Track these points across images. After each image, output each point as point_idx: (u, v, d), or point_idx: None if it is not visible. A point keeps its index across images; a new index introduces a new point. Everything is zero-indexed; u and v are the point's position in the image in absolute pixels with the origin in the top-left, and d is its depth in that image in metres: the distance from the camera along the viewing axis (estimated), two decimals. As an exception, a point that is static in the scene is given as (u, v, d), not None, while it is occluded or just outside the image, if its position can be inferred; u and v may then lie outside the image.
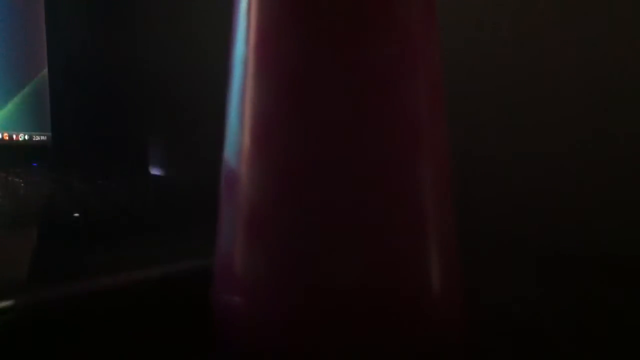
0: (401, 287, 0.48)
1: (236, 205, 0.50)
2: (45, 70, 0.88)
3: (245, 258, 0.49)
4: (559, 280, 0.61)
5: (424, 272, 0.49)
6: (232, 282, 0.50)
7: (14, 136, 0.87)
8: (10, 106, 0.88)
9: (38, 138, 0.86)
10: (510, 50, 0.69)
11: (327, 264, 0.47)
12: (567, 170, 0.67)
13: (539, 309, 0.58)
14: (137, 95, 0.89)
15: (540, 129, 0.68)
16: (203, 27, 0.84)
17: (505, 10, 0.68)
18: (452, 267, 0.51)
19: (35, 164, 0.83)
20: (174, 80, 0.87)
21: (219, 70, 0.77)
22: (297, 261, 0.47)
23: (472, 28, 0.70)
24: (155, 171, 0.75)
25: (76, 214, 0.64)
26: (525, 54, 0.68)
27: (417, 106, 0.49)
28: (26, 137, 0.86)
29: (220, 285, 0.51)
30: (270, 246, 0.48)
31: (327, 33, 0.47)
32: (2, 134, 0.88)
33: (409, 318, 0.48)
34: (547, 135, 0.68)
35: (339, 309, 0.47)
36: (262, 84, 0.49)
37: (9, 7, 0.91)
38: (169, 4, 0.90)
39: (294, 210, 0.47)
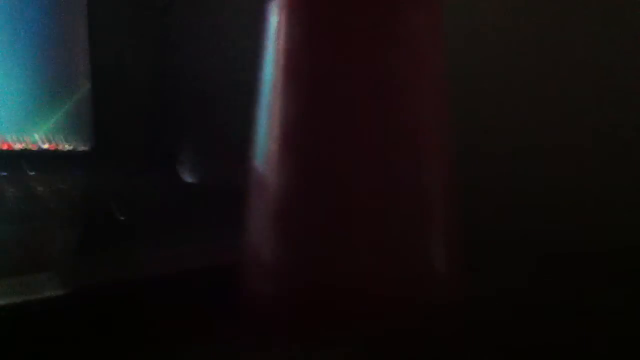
0: (411, 278, 0.52)
1: (265, 205, 0.54)
2: (88, 85, 0.94)
3: (274, 253, 0.53)
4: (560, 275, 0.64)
5: (431, 265, 0.53)
6: (262, 274, 0.54)
7: (59, 146, 0.93)
8: (56, 118, 0.94)
9: (81, 148, 0.92)
10: (511, 49, 0.71)
11: (346, 257, 0.51)
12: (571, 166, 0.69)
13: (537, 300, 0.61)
14: (171, 107, 0.94)
15: (541, 128, 0.70)
16: (236, 43, 0.87)
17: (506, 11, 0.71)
18: (455, 258, 0.55)
19: (78, 172, 0.88)
20: (207, 92, 0.91)
21: (246, 84, 0.81)
22: (321, 254, 0.51)
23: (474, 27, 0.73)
24: (187, 177, 0.79)
25: (116, 213, 0.69)
26: (526, 53, 0.70)
27: (424, 109, 0.53)
28: (70, 147, 0.92)
29: (251, 278, 0.55)
30: (296, 241, 0.52)
31: (347, 48, 0.52)
32: (49, 144, 0.94)
33: (417, 305, 0.52)
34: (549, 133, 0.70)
35: (355, 298, 0.51)
36: (288, 93, 0.53)
37: (54, 22, 0.97)
38: (205, 16, 0.93)
39: (317, 208, 0.52)
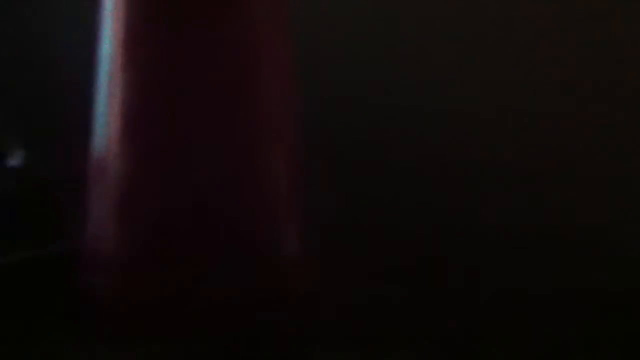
0: (253, 268, 0.52)
1: (104, 192, 0.52)
2: None
3: (114, 239, 0.52)
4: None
5: (274, 255, 0.53)
6: (101, 262, 0.52)
7: None
8: None
9: None
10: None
11: (186, 241, 0.51)
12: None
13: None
14: None
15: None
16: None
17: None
18: (299, 247, 0.55)
19: None
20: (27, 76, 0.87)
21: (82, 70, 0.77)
22: (161, 239, 0.51)
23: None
24: (12, 162, 0.75)
25: None
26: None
27: (264, 94, 0.53)
28: None
29: (88, 266, 0.54)
30: (137, 226, 0.51)
31: (186, 30, 0.51)
32: None
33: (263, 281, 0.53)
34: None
35: (196, 282, 0.51)
36: (127, 78, 0.51)
37: None
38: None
39: (157, 193, 0.51)
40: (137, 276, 0.52)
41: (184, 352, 0.50)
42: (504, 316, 0.55)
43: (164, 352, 0.50)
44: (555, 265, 0.63)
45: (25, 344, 0.53)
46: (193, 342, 0.51)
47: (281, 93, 0.55)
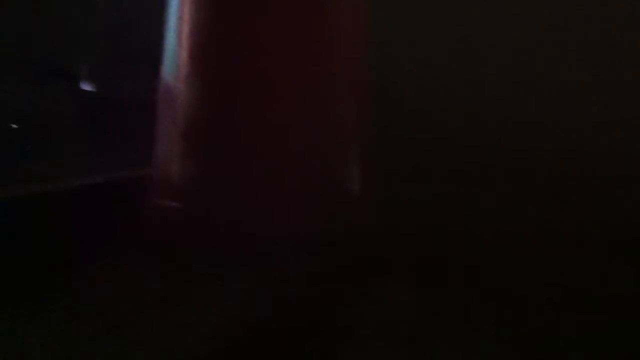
0: (317, 194, 0.54)
1: (173, 120, 0.51)
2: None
3: (181, 167, 0.52)
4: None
5: (337, 185, 0.56)
6: (169, 188, 0.53)
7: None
8: None
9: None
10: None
11: (251, 174, 0.52)
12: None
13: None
14: (66, 18, 0.89)
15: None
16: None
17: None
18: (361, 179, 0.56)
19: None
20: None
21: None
22: (226, 170, 0.52)
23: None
24: (85, 86, 0.77)
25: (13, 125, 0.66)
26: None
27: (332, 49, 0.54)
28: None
29: (157, 191, 0.55)
30: (203, 157, 0.52)
31: None
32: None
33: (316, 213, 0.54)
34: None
35: (260, 212, 0.52)
36: (200, 6, 0.52)
37: None
38: None
39: (226, 126, 0.52)
40: (201, 202, 0.53)
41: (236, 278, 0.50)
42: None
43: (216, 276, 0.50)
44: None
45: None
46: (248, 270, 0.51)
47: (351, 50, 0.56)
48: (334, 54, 0.54)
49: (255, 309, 0.46)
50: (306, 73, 0.53)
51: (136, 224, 0.56)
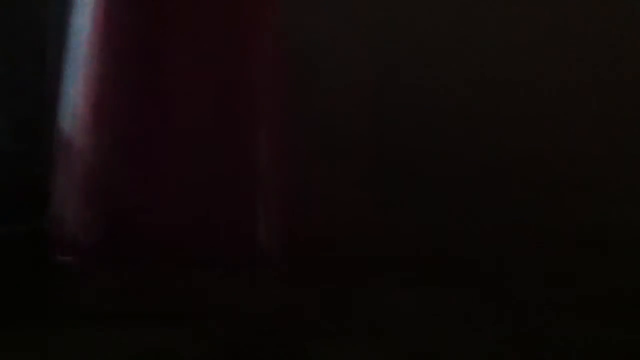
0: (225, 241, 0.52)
1: (71, 172, 0.52)
2: None
3: (79, 219, 0.51)
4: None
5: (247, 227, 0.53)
6: (67, 242, 0.52)
7: None
8: None
9: None
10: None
11: (155, 221, 0.50)
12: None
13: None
14: None
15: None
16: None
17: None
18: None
19: None
20: None
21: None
22: (128, 219, 0.51)
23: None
24: None
25: None
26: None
27: (250, 71, 0.53)
28: None
29: (54, 246, 0.53)
30: (104, 207, 0.51)
31: (162, 19, 0.50)
32: None
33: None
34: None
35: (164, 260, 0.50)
36: (100, 54, 0.51)
37: None
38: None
39: (124, 175, 0.51)
40: (100, 258, 0.52)
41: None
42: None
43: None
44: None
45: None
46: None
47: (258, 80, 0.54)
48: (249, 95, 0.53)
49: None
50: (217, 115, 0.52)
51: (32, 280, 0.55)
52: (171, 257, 0.50)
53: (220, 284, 0.51)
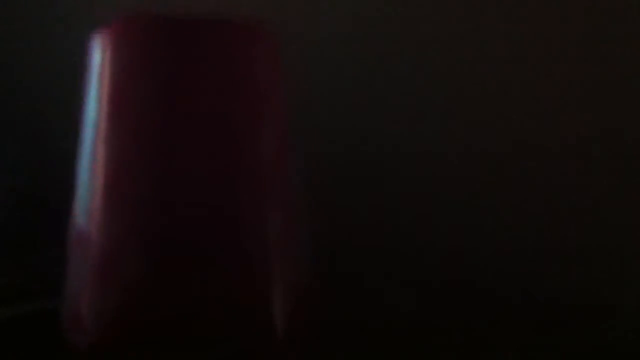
0: (241, 327, 0.52)
1: (84, 258, 0.52)
2: None
3: (93, 303, 0.51)
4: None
5: (265, 318, 0.53)
6: (81, 323, 0.52)
7: None
8: None
9: None
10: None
11: (171, 306, 0.50)
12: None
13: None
14: None
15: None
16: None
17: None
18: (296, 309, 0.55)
19: None
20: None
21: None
22: (140, 303, 0.50)
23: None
24: None
25: None
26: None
27: (261, 152, 0.53)
28: None
29: (68, 326, 0.53)
30: (118, 291, 0.51)
31: (176, 87, 0.50)
32: None
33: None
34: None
35: (179, 340, 0.50)
36: (114, 138, 0.51)
37: None
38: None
39: (138, 261, 0.50)
40: (117, 337, 0.51)
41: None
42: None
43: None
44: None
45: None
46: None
47: (280, 142, 0.54)
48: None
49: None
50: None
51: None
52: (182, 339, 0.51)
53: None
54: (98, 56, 0.51)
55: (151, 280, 0.50)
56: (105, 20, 0.53)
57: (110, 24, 0.51)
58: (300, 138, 0.58)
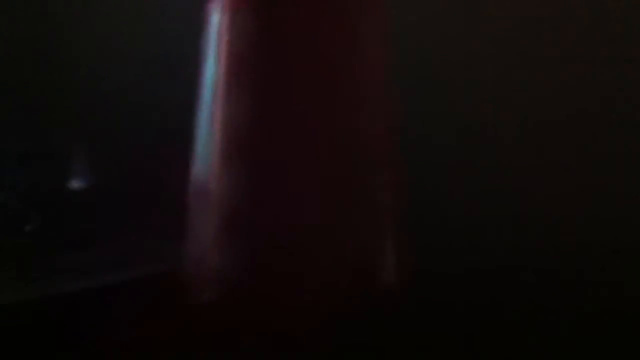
0: (359, 278, 0.54)
1: (209, 216, 0.53)
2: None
3: (222, 259, 0.53)
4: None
5: (379, 264, 0.55)
6: (209, 281, 0.53)
7: None
8: None
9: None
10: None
11: (294, 260, 0.52)
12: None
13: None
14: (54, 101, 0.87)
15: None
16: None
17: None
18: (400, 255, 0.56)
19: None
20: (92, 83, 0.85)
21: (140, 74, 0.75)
22: (270, 259, 0.52)
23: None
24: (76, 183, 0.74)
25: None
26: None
27: (368, 111, 0.54)
28: None
29: (195, 285, 0.54)
30: (245, 247, 0.52)
31: (294, 54, 0.52)
32: None
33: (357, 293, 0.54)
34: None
35: (301, 297, 0.52)
36: (232, 104, 0.52)
37: None
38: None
39: (263, 217, 0.52)
40: (244, 293, 0.53)
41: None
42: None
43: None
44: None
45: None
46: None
47: (384, 107, 0.55)
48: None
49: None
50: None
51: (170, 324, 0.56)
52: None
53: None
54: (216, 18, 0.52)
55: (274, 235, 0.52)
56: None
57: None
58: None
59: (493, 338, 0.60)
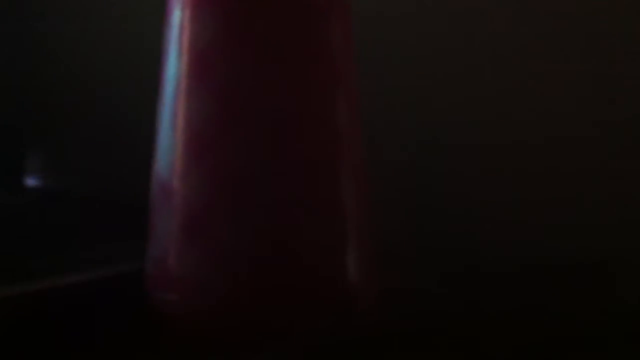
0: (321, 283, 0.53)
1: (171, 215, 0.53)
2: None
3: (182, 260, 0.52)
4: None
5: (342, 268, 0.54)
6: (169, 281, 0.53)
7: None
8: None
9: None
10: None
11: (256, 261, 0.51)
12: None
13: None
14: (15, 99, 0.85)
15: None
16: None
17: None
18: (368, 260, 0.56)
19: None
20: (58, 81, 0.83)
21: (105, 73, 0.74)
22: (230, 259, 0.51)
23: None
24: (32, 182, 0.72)
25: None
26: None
27: (337, 116, 0.54)
28: None
29: (155, 285, 0.54)
30: (205, 248, 0.51)
31: (257, 50, 0.51)
32: None
33: (326, 310, 0.53)
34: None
35: (263, 300, 0.51)
36: (195, 101, 0.51)
37: None
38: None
39: (227, 217, 0.51)
40: (206, 294, 0.52)
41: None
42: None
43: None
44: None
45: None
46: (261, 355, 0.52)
47: (350, 115, 0.55)
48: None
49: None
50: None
51: (135, 321, 0.56)
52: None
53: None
54: (178, 14, 0.51)
55: (239, 233, 0.51)
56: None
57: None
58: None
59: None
